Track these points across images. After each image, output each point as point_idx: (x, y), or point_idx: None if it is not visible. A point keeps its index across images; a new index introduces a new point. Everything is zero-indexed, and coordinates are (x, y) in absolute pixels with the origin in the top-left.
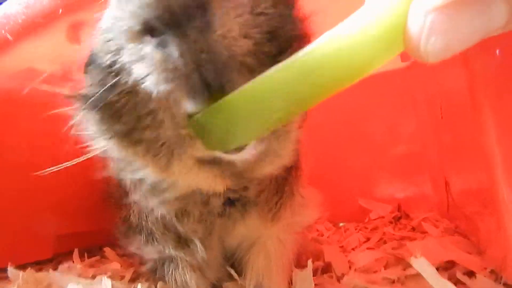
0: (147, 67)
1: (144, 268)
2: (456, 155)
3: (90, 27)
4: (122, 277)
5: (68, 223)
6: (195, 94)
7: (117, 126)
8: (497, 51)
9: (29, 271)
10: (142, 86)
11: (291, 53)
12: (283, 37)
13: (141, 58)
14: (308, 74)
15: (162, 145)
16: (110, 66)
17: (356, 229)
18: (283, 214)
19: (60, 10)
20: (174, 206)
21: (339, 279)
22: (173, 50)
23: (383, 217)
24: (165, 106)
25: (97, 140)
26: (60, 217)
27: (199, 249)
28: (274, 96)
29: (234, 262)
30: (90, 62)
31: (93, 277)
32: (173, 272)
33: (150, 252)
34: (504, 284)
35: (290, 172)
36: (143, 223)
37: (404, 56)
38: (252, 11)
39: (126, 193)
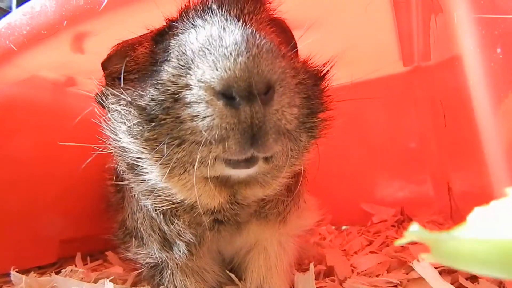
0: (212, 113)
1: (141, 276)
2: (458, 159)
3: (94, 37)
4: (124, 281)
5: (71, 228)
6: (242, 146)
7: (149, 134)
8: (498, 50)
9: (32, 275)
10: (195, 122)
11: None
12: (315, 103)
13: (207, 104)
14: None
15: (174, 161)
16: (173, 94)
17: (358, 233)
18: (289, 219)
19: (65, 22)
20: (165, 206)
21: (341, 283)
22: (242, 111)
23: (385, 220)
24: (203, 142)
25: (124, 134)
26: (64, 222)
27: (182, 253)
28: None
29: (233, 266)
30: (153, 77)
31: (96, 281)
32: (171, 278)
33: (144, 257)
34: None
35: (298, 179)
36: (135, 224)
37: (406, 60)
38: (299, 93)
39: (123, 198)
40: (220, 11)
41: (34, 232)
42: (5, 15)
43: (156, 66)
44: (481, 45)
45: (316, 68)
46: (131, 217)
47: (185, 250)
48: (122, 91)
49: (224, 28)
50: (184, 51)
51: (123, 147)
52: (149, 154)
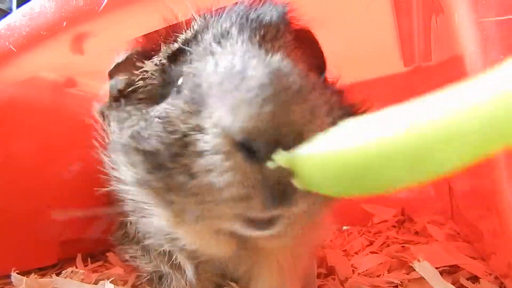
0: (230, 167)
1: (140, 280)
2: None
3: (93, 38)
4: (125, 282)
5: (72, 229)
6: (269, 205)
7: (156, 182)
8: (499, 50)
9: (33, 276)
10: (209, 176)
11: None
12: None
13: (225, 155)
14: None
15: (184, 211)
16: (183, 136)
17: (359, 233)
18: (305, 228)
19: (65, 23)
20: (166, 248)
21: (342, 283)
22: (267, 168)
23: (386, 221)
24: (218, 199)
25: (125, 172)
26: (64, 224)
27: (189, 274)
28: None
29: (235, 275)
30: (173, 79)
31: (96, 282)
32: (171, 285)
33: (145, 265)
34: None
35: None
36: (140, 236)
37: (407, 61)
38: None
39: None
40: (241, 37)
41: (34, 233)
42: (5, 16)
43: (166, 89)
44: (482, 45)
45: (353, 105)
46: (134, 227)
47: (192, 272)
48: (125, 107)
49: (246, 62)
50: (198, 83)
51: (127, 189)
52: (157, 203)
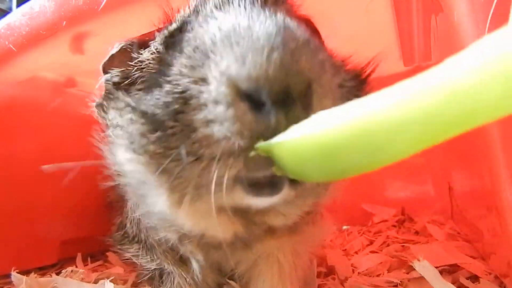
0: (234, 118)
1: (141, 279)
2: (459, 159)
3: (93, 38)
4: (125, 281)
5: (72, 228)
6: (262, 161)
7: (156, 147)
8: None
9: (33, 276)
10: (212, 129)
11: None
12: None
13: (229, 106)
14: (456, 101)
15: (185, 184)
16: (184, 92)
17: (359, 233)
18: (304, 228)
19: (64, 22)
20: (178, 233)
21: (342, 283)
22: (274, 118)
23: (386, 220)
24: (220, 155)
25: (126, 151)
26: (64, 223)
27: (196, 270)
28: (406, 129)
29: (234, 274)
30: (155, 75)
31: (96, 281)
32: (172, 285)
33: (147, 263)
34: None
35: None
36: (142, 235)
37: (407, 60)
38: (341, 98)
39: (123, 200)
40: (243, 2)
41: (34, 233)
42: (4, 16)
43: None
44: None
45: (358, 68)
46: (135, 227)
47: (197, 267)
48: (123, 96)
49: (252, 17)
50: (202, 41)
51: (123, 169)
52: (155, 173)
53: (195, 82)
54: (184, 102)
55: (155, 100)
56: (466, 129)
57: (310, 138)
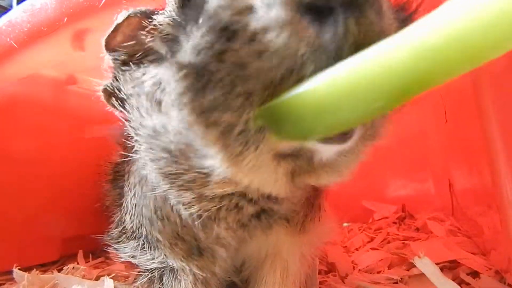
0: (295, 39)
1: (139, 280)
2: (459, 156)
3: (94, 34)
4: (126, 278)
5: (73, 226)
6: None
7: (202, 100)
8: None
9: (34, 272)
10: (266, 61)
11: None
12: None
13: (287, 27)
14: (427, 56)
15: (240, 133)
16: (227, 27)
17: (360, 230)
18: (310, 227)
19: (65, 19)
20: (208, 207)
21: (343, 279)
22: (343, 25)
23: (387, 217)
24: (278, 88)
25: (171, 110)
26: (66, 221)
27: (219, 259)
28: (380, 83)
29: (239, 274)
30: (193, 17)
31: (97, 278)
32: (174, 283)
33: (147, 261)
34: (509, 285)
35: (318, 192)
36: (141, 228)
37: None
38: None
39: (119, 195)
40: None
41: (36, 230)
42: (5, 13)
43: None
44: None
45: (403, 3)
46: (135, 220)
47: (224, 254)
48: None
49: None
50: None
51: (159, 138)
52: (206, 131)
53: (241, 13)
54: (229, 38)
55: (192, 45)
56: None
57: (305, 95)
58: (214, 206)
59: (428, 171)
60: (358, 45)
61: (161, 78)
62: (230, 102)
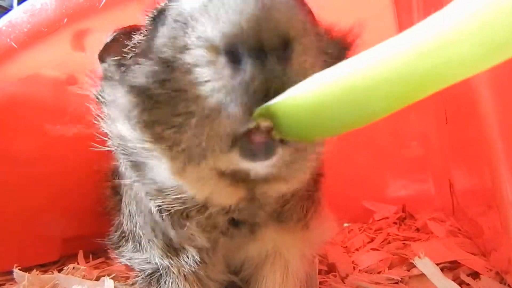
0: (215, 76)
1: (137, 284)
2: (460, 156)
3: (94, 35)
4: (126, 278)
5: (74, 226)
6: (248, 109)
7: (149, 116)
8: None
9: (34, 273)
10: (197, 90)
11: None
12: None
13: (209, 65)
14: (428, 60)
15: (183, 149)
16: (168, 60)
17: (360, 230)
18: (311, 225)
19: (65, 19)
20: (176, 207)
21: (343, 280)
22: (249, 70)
23: (387, 217)
24: (207, 113)
25: (122, 124)
26: (66, 221)
27: (191, 260)
28: (382, 87)
29: (238, 275)
30: (144, 50)
31: (97, 278)
32: (170, 286)
33: (139, 263)
34: (509, 286)
35: (317, 180)
36: (134, 229)
37: None
38: (321, 51)
39: (120, 201)
40: None
41: (36, 230)
42: (6, 13)
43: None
44: None
45: (341, 36)
46: (128, 220)
47: (197, 258)
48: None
49: None
50: (182, 9)
51: (124, 142)
52: (153, 143)
53: (180, 51)
54: (171, 70)
55: (142, 71)
56: (439, 87)
57: (305, 96)
58: (182, 206)
59: (428, 171)
60: (277, 87)
61: (115, 94)
62: (172, 120)
